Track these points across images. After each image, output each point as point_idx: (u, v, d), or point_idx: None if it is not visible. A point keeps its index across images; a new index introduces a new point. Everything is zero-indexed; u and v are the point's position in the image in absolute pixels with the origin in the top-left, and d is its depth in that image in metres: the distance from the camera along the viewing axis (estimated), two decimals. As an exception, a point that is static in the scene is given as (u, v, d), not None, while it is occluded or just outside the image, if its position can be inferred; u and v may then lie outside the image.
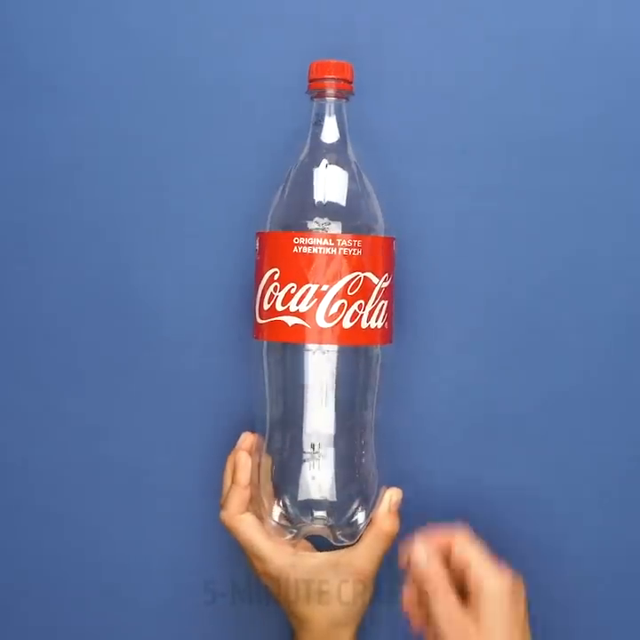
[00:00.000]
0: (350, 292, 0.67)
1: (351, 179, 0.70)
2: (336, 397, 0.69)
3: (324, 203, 0.69)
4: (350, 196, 0.69)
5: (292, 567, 0.69)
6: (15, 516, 0.79)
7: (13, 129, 0.78)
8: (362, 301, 0.67)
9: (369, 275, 0.68)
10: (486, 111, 0.76)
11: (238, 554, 0.71)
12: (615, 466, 0.77)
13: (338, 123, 0.70)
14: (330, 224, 0.68)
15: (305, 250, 0.67)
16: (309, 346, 0.68)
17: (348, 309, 0.67)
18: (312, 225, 0.68)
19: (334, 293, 0.67)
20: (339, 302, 0.67)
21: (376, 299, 0.68)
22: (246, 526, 0.70)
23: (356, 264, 0.67)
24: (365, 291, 0.68)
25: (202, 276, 0.78)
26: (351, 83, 0.71)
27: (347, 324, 0.67)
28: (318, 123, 0.70)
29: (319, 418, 0.69)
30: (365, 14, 0.77)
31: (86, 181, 0.78)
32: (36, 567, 0.79)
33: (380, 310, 0.68)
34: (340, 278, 0.67)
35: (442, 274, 0.76)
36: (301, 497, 0.69)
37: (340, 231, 0.68)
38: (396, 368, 0.73)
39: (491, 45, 0.76)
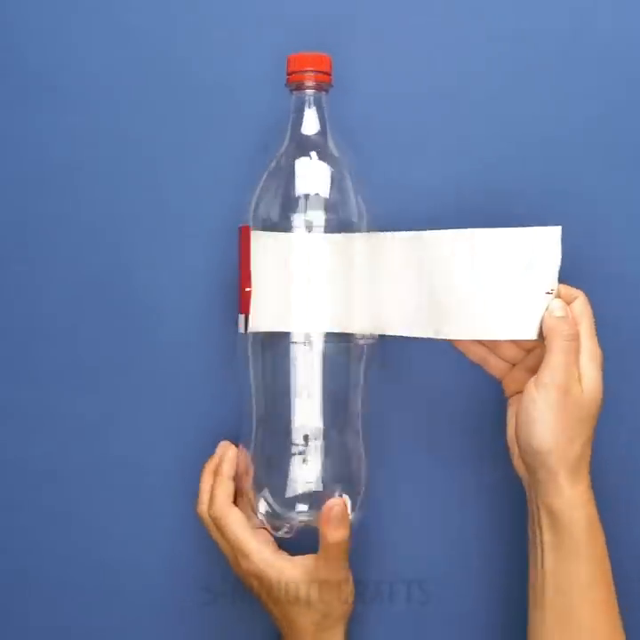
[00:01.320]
0: None
1: (331, 172, 0.70)
2: (322, 391, 0.69)
3: (305, 196, 0.69)
4: (331, 189, 0.69)
5: (272, 567, 0.68)
6: (13, 515, 0.80)
7: (13, 129, 0.78)
8: None
9: None
10: (485, 111, 0.76)
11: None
12: (615, 466, 0.76)
13: (318, 115, 0.70)
14: (311, 218, 0.68)
15: None
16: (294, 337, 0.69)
17: None
18: (292, 219, 0.68)
19: None
20: None
21: None
22: (234, 520, 0.70)
23: None
24: None
25: (202, 275, 0.78)
26: (329, 74, 0.70)
27: None
28: (297, 115, 0.71)
29: (304, 412, 0.69)
30: (367, 15, 0.77)
31: (86, 181, 0.78)
32: (35, 567, 0.80)
33: None
34: None
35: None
36: (288, 493, 0.69)
37: (322, 225, 0.68)
38: (394, 365, 0.73)
39: (490, 45, 0.76)
